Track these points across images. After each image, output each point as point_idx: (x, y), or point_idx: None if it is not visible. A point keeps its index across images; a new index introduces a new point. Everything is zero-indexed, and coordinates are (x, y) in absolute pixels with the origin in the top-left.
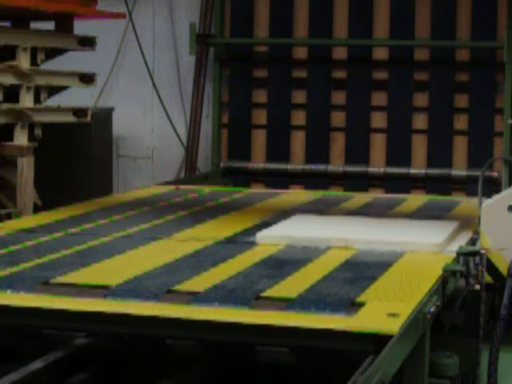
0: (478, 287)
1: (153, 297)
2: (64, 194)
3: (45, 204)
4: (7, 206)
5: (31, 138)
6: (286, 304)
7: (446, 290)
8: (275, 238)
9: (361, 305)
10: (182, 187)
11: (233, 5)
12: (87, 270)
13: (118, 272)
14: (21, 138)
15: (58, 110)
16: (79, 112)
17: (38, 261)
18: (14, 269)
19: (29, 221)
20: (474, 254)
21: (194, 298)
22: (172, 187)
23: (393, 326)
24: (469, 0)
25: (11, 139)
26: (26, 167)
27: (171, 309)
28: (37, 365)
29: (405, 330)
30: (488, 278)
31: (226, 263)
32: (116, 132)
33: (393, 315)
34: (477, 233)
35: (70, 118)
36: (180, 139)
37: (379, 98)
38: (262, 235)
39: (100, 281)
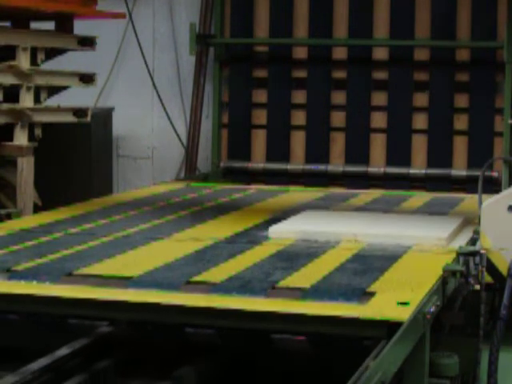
0: (478, 287)
1: (173, 287)
2: (64, 194)
3: (45, 204)
4: (7, 206)
5: (31, 137)
6: (301, 293)
7: (446, 290)
8: (287, 232)
9: (372, 294)
10: (194, 184)
11: (233, 5)
12: (108, 263)
13: (137, 264)
14: (21, 138)
15: (58, 110)
16: (79, 112)
17: (59, 254)
18: (37, 261)
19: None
20: (474, 253)
21: (212, 288)
22: (173, 186)
23: (403, 314)
24: (469, 0)
25: (11, 139)
26: (26, 167)
27: (192, 298)
28: (63, 351)
29: (405, 329)
30: (488, 278)
31: (241, 256)
32: (116, 132)
33: (403, 304)
34: (477, 233)
35: (69, 118)
36: (180, 139)
37: (379, 98)
38: (274, 230)
39: (121, 272)
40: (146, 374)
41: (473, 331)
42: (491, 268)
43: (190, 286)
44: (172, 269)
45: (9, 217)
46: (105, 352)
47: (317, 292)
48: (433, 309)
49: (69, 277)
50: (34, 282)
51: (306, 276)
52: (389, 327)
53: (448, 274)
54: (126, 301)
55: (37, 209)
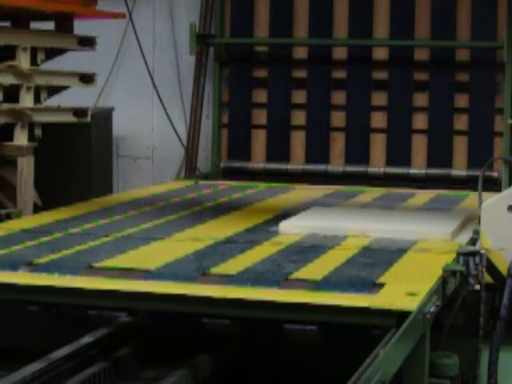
0: (478, 287)
1: (190, 279)
2: (64, 194)
3: (45, 204)
4: (7, 206)
5: (31, 137)
6: (313, 285)
7: (446, 289)
8: (296, 227)
9: (381, 285)
10: (201, 182)
11: (233, 5)
12: (126, 256)
13: (154, 258)
14: (21, 138)
15: (58, 110)
16: (79, 112)
17: (79, 248)
18: (56, 256)
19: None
20: (474, 253)
21: (228, 279)
22: (181, 184)
23: (412, 304)
24: (469, 0)
25: (11, 139)
26: (26, 167)
27: (208, 289)
28: (86, 340)
29: (405, 329)
30: (488, 278)
31: (253, 250)
32: (116, 132)
33: (411, 294)
34: (477, 233)
35: (69, 118)
36: (180, 139)
37: (379, 98)
38: (285, 225)
39: (139, 265)
40: (163, 363)
41: (473, 331)
42: (491, 268)
43: (206, 277)
44: (188, 262)
45: (9, 217)
46: (124, 341)
47: (328, 283)
48: (433, 309)
49: (89, 269)
50: (56, 275)
51: (317, 269)
52: (398, 316)
53: (448, 274)
54: (146, 292)
55: (37, 209)
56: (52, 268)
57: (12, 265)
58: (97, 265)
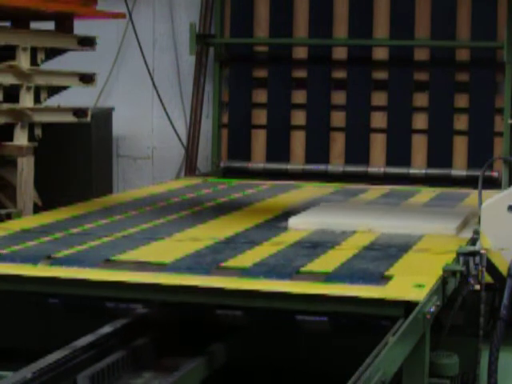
0: (478, 287)
1: (205, 271)
2: (64, 194)
3: (45, 204)
4: (7, 206)
5: (31, 137)
6: (324, 277)
7: (446, 289)
8: (305, 223)
9: (389, 278)
10: (210, 180)
11: (233, 5)
12: (141, 250)
13: (169, 252)
14: (21, 138)
15: (58, 110)
16: (79, 112)
17: (96, 242)
18: (75, 249)
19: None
20: (474, 254)
21: (241, 272)
22: (189, 182)
23: (419, 295)
24: (469, 0)
25: (11, 139)
26: (26, 167)
27: (223, 281)
28: (106, 330)
29: (405, 329)
30: (488, 278)
31: (265, 244)
32: (116, 132)
33: (419, 286)
34: (477, 233)
35: (69, 118)
36: (180, 139)
37: (379, 98)
38: (294, 221)
39: (155, 258)
40: (179, 352)
41: (473, 331)
42: (491, 268)
43: (221, 270)
44: (201, 256)
45: (9, 217)
46: (141, 331)
47: (338, 276)
48: (433, 309)
49: (107, 262)
50: (75, 267)
51: (327, 262)
52: (406, 307)
53: (448, 274)
54: (163, 284)
55: (37, 209)
56: (71, 261)
57: (32, 258)
58: (114, 258)
